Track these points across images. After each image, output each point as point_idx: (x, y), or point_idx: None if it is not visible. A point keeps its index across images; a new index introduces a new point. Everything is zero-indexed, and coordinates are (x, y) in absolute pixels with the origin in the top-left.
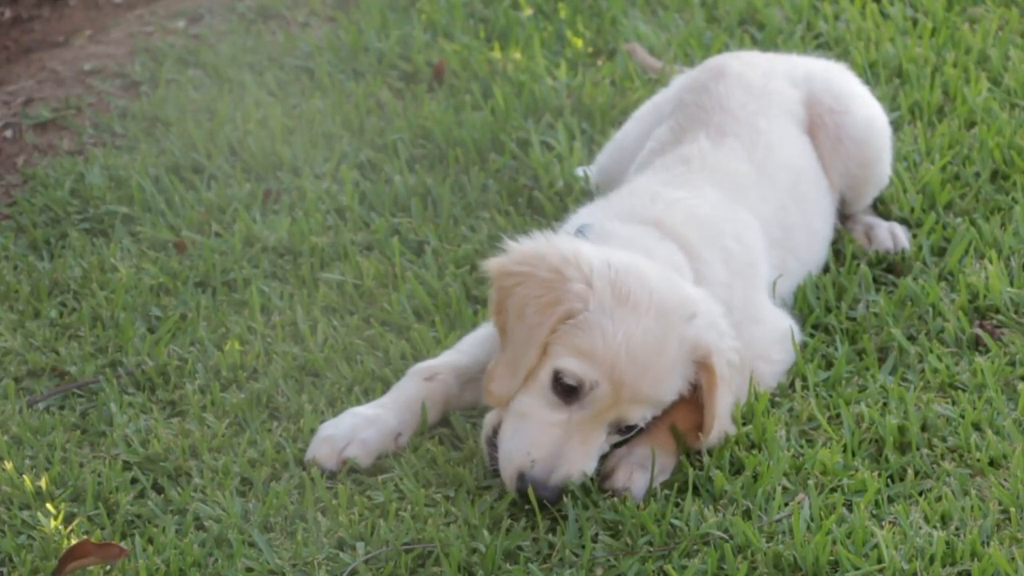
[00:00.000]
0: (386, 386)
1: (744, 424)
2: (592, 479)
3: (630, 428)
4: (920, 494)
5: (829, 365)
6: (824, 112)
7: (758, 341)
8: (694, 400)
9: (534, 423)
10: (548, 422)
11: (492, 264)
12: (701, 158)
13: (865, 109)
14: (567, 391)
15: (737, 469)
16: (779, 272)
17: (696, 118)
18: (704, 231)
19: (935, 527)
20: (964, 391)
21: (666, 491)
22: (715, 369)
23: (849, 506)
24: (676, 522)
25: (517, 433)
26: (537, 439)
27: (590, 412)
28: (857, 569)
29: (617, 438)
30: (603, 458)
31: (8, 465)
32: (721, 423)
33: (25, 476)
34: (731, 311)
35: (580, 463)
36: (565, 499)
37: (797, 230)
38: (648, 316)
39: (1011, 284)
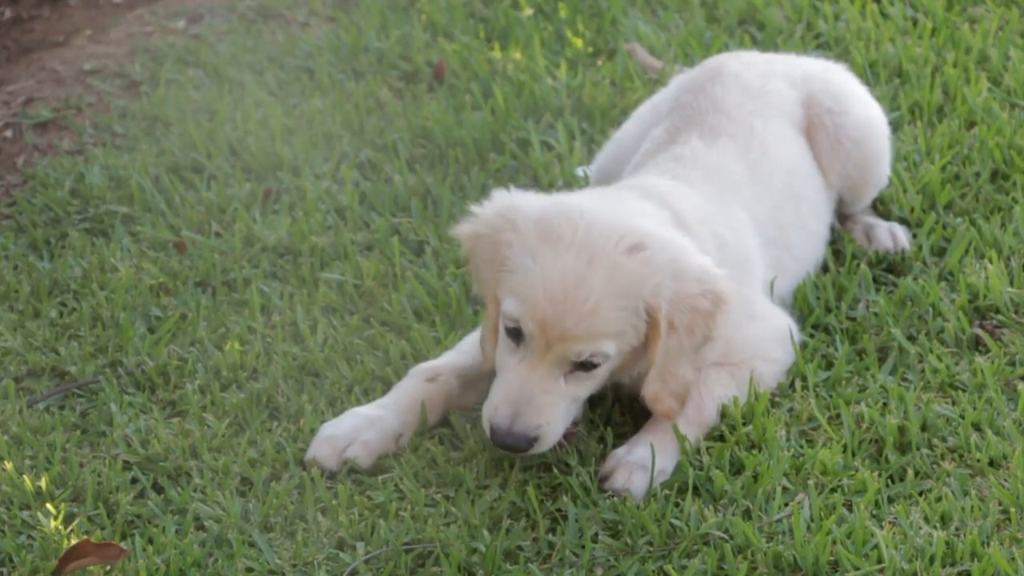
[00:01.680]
0: (386, 386)
1: (744, 424)
2: (592, 479)
3: (590, 365)
4: (920, 494)
5: (829, 365)
6: (823, 113)
7: (755, 339)
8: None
9: (501, 374)
10: (507, 368)
11: (459, 232)
12: (694, 157)
13: (864, 110)
14: (514, 334)
15: (737, 469)
16: (775, 271)
17: (691, 119)
18: (698, 213)
19: (935, 527)
20: (964, 391)
21: (666, 491)
22: (657, 309)
23: (849, 506)
24: (676, 522)
25: (492, 388)
26: (499, 389)
27: (533, 353)
28: (857, 569)
29: (584, 378)
30: (603, 459)
31: (8, 465)
32: (668, 378)
33: (25, 476)
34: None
35: (546, 413)
36: (565, 498)
37: (792, 229)
38: (570, 252)
39: (1011, 284)
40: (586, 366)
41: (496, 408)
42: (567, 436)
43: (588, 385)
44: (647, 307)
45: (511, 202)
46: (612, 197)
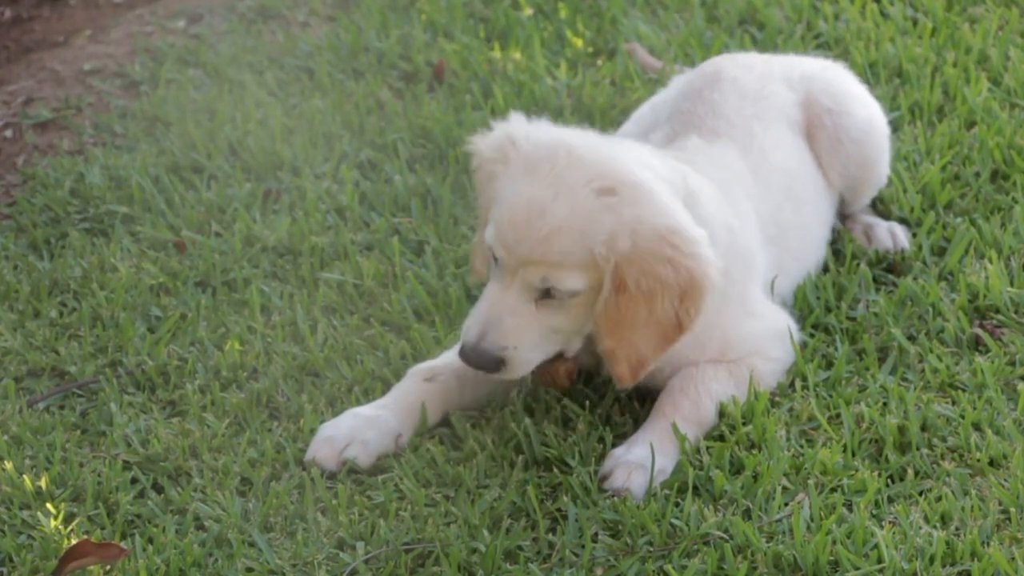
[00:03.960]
0: (386, 386)
1: (744, 424)
2: (592, 479)
3: (558, 295)
4: (920, 494)
5: (829, 365)
6: (823, 112)
7: (754, 336)
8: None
9: (481, 297)
10: (485, 291)
11: (472, 149)
12: (695, 149)
13: (864, 109)
14: (493, 259)
15: (737, 469)
16: (776, 270)
17: (690, 124)
18: (706, 193)
19: (935, 527)
20: (964, 391)
21: (666, 491)
22: (604, 260)
23: (849, 506)
24: (676, 522)
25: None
26: (475, 309)
27: (503, 275)
28: (857, 569)
29: (556, 308)
30: (603, 458)
31: (8, 465)
32: (621, 342)
33: (25, 476)
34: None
35: (514, 337)
36: (564, 498)
37: (792, 230)
38: (543, 183)
39: (1011, 284)
40: (553, 295)
41: (468, 327)
42: (562, 375)
43: (562, 319)
44: (596, 255)
45: (508, 133)
46: (622, 144)
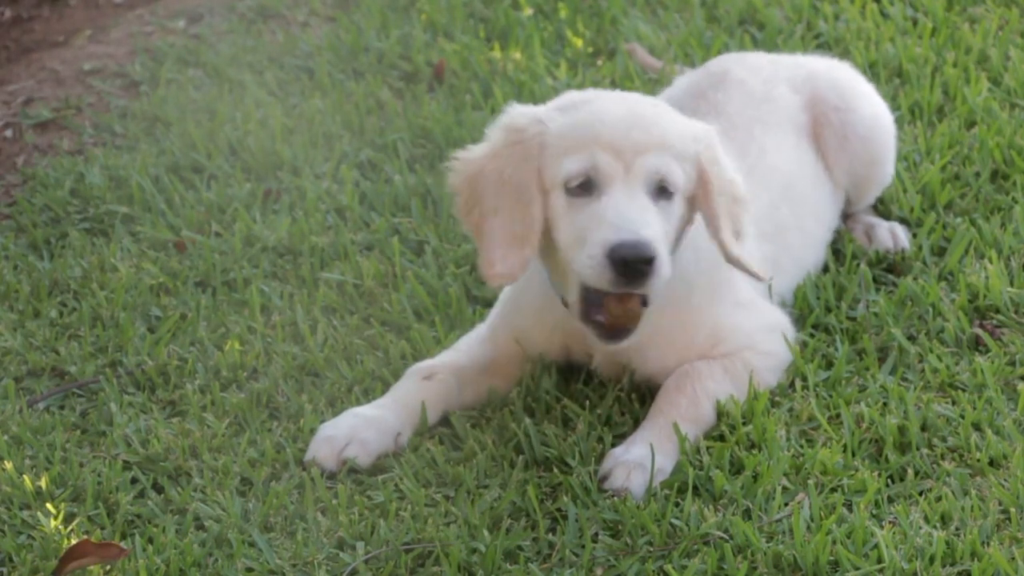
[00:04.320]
0: (386, 386)
1: (744, 424)
2: (592, 479)
3: (667, 193)
4: (920, 494)
5: (829, 365)
6: (829, 110)
7: (744, 329)
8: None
9: (587, 224)
10: (592, 213)
11: (452, 176)
12: None
13: (871, 107)
14: (585, 189)
15: (737, 469)
16: (773, 268)
17: None
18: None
19: (935, 527)
20: (964, 391)
21: (666, 491)
22: (706, 160)
23: (849, 506)
24: (676, 522)
25: (582, 242)
26: (598, 224)
27: (614, 184)
28: (857, 569)
29: (665, 209)
30: (603, 459)
31: (8, 465)
32: (725, 233)
33: (25, 476)
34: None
35: (652, 224)
36: (565, 498)
37: (790, 231)
38: (608, 97)
39: (1011, 284)
40: (664, 192)
41: (614, 225)
42: (636, 305)
43: (669, 221)
44: (694, 151)
45: (518, 112)
46: None
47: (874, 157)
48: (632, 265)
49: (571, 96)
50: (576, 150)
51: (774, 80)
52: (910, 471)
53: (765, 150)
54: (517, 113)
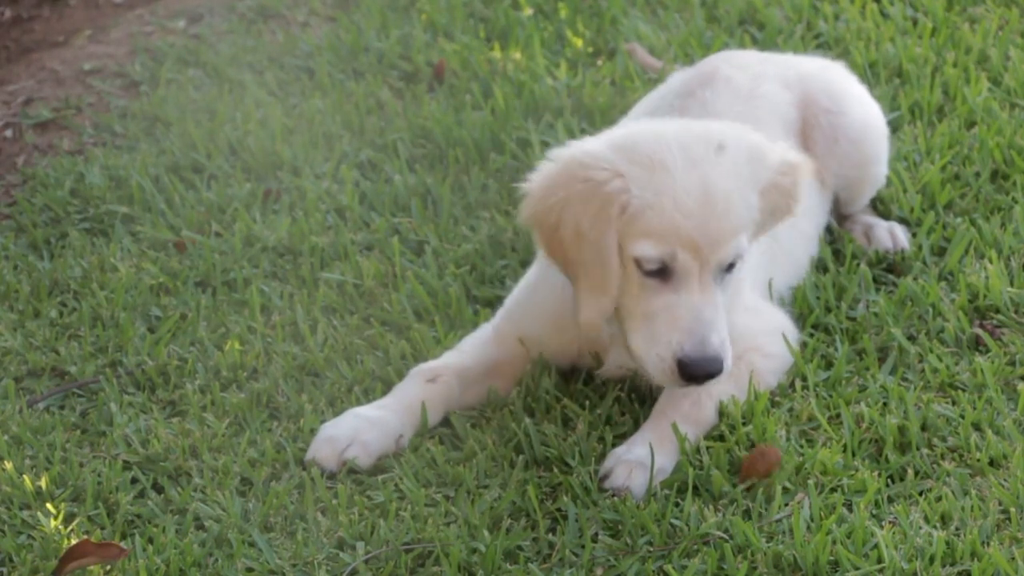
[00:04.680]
0: (386, 386)
1: (744, 424)
2: (592, 479)
3: (731, 267)
4: (920, 494)
5: (829, 365)
6: (819, 112)
7: (750, 331)
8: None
9: (658, 314)
10: (666, 306)
11: (523, 211)
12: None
13: (861, 109)
14: (659, 273)
15: (737, 469)
16: (768, 264)
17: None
18: None
19: (935, 527)
20: (964, 391)
21: (666, 491)
22: (794, 165)
23: (849, 506)
24: (676, 522)
25: (649, 331)
26: (671, 324)
27: (689, 278)
28: (857, 569)
29: (728, 283)
30: (603, 458)
31: (8, 465)
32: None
33: (25, 476)
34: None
35: (722, 329)
36: (565, 498)
37: (781, 229)
38: (682, 171)
39: (1011, 284)
40: (730, 268)
41: (675, 342)
42: None
43: (728, 290)
44: (757, 204)
45: (586, 151)
46: (640, 124)
47: (865, 159)
48: (699, 376)
49: (633, 135)
50: (655, 236)
51: (763, 77)
52: (910, 471)
53: None
54: (584, 154)
